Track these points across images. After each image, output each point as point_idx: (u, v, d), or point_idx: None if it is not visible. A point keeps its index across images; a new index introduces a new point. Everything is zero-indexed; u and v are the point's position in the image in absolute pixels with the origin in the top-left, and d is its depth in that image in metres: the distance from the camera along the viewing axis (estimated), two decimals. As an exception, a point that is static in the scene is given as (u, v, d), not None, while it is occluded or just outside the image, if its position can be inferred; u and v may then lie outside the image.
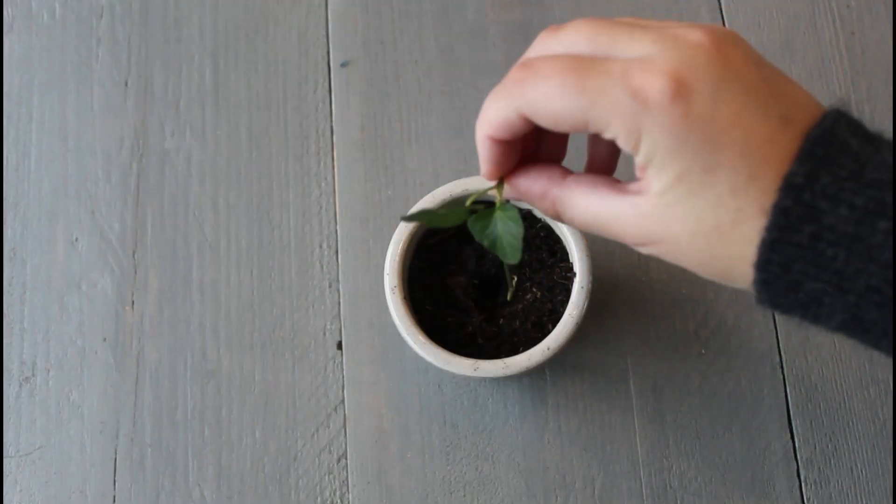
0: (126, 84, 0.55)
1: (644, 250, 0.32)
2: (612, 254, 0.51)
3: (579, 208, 0.33)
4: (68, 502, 0.48)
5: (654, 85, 0.29)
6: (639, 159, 0.30)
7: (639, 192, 0.31)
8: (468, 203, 0.35)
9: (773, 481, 0.48)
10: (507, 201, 0.36)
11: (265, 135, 0.54)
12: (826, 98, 0.53)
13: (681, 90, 0.29)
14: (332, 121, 0.54)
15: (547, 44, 0.34)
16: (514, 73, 0.33)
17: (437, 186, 0.44)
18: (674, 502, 0.47)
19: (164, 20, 0.56)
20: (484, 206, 0.36)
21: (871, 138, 0.29)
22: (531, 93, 0.31)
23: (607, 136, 0.30)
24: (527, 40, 0.55)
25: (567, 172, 0.34)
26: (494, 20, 0.55)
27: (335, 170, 0.53)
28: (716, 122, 0.29)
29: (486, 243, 0.35)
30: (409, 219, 0.35)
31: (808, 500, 0.47)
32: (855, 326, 0.28)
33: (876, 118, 0.53)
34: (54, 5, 0.57)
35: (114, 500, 0.48)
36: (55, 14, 0.57)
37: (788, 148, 0.29)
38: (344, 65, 0.55)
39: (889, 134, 0.29)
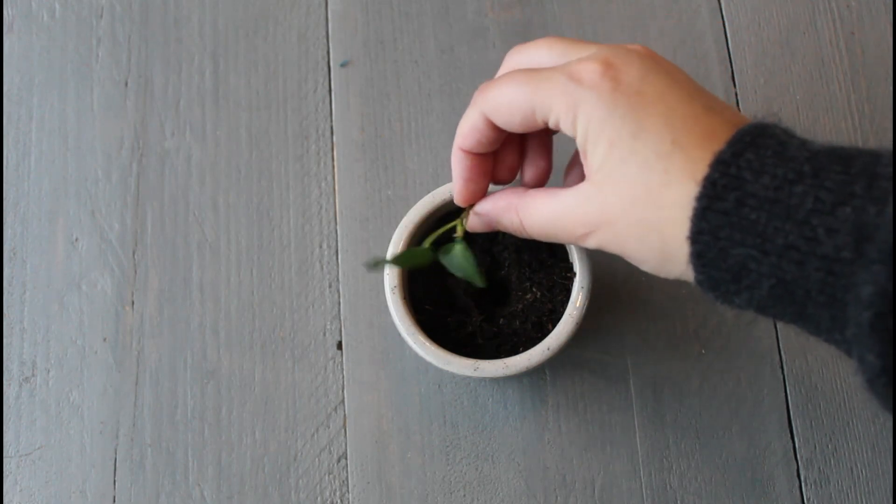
0: (126, 84, 0.55)
1: (590, 243, 0.35)
2: (612, 254, 0.51)
3: (537, 212, 0.37)
4: (68, 502, 0.48)
5: (588, 67, 0.33)
6: (578, 139, 0.34)
7: (583, 179, 0.35)
8: (426, 244, 0.40)
9: (773, 481, 0.48)
10: (464, 236, 0.41)
11: (265, 135, 0.54)
12: (826, 98, 0.53)
13: (610, 70, 0.33)
14: (332, 121, 0.54)
15: (512, 59, 0.38)
16: (480, 87, 0.37)
17: (437, 186, 0.44)
18: (674, 502, 0.47)
19: (164, 20, 0.56)
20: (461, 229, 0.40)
21: (797, 136, 0.32)
22: (490, 94, 0.36)
23: (551, 121, 0.34)
24: (526, 40, 0.55)
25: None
26: (494, 20, 0.55)
27: (335, 170, 0.53)
28: (641, 96, 0.33)
29: (456, 273, 0.40)
30: (371, 268, 0.39)
31: (808, 500, 0.47)
32: (783, 294, 0.30)
33: (876, 118, 0.53)
34: (54, 5, 0.57)
35: (114, 500, 0.48)
36: (55, 14, 0.57)
37: (713, 128, 0.32)
38: (344, 65, 0.55)
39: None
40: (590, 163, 0.34)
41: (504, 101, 0.35)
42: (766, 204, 0.29)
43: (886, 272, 0.27)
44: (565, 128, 0.34)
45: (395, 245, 0.44)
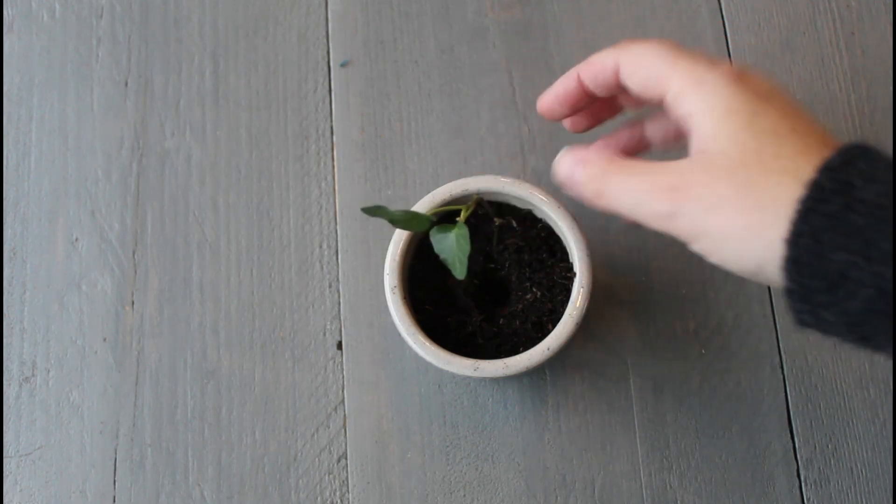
0: (126, 84, 0.55)
1: (667, 205, 0.33)
2: (612, 254, 0.51)
3: (632, 166, 0.36)
4: (68, 502, 0.48)
5: (724, 65, 0.34)
6: (694, 114, 0.34)
7: (688, 157, 0.34)
8: (429, 213, 0.40)
9: (773, 481, 0.48)
10: (466, 222, 0.40)
11: (265, 135, 0.54)
12: (826, 98, 0.53)
13: (742, 73, 0.34)
14: (332, 121, 0.54)
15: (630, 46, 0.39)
16: (627, 40, 0.38)
17: (437, 186, 0.44)
18: (674, 502, 0.47)
19: (164, 20, 0.56)
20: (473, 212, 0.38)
21: None
22: (634, 46, 0.36)
23: (671, 91, 0.35)
24: (527, 40, 0.55)
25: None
26: (494, 20, 0.55)
27: (335, 170, 0.53)
28: (765, 94, 0.34)
29: (441, 255, 0.40)
30: (368, 211, 0.38)
31: (808, 500, 0.47)
32: (880, 308, 0.28)
33: (876, 118, 0.53)
34: (54, 5, 0.57)
35: (114, 500, 0.48)
36: (55, 14, 0.57)
37: (826, 139, 0.32)
38: (344, 65, 0.55)
39: None
40: (703, 141, 0.33)
41: (644, 54, 0.36)
42: (875, 210, 0.28)
43: None
44: (685, 104, 0.34)
45: (395, 245, 0.44)
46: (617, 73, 0.37)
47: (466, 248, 0.39)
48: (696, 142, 0.34)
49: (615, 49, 0.37)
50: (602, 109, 0.42)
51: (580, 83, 0.39)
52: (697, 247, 0.34)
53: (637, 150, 0.42)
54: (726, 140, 0.33)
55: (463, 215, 0.41)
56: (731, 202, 0.32)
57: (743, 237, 0.32)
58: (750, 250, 0.32)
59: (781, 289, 0.31)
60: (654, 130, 0.41)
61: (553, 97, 0.40)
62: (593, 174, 0.36)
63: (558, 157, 0.38)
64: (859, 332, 0.30)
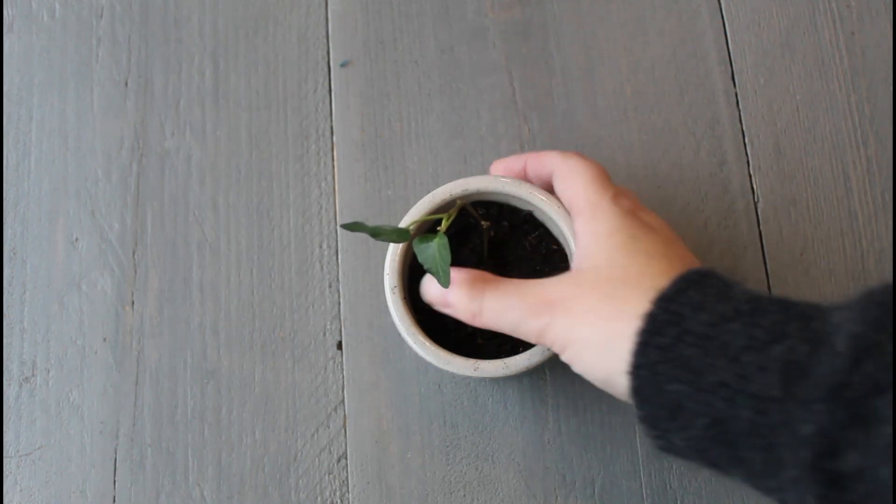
0: (126, 84, 0.55)
1: (539, 320, 0.36)
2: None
3: (504, 285, 0.39)
4: (68, 502, 0.48)
5: (625, 200, 0.40)
6: (581, 227, 0.39)
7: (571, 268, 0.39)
8: (410, 226, 0.41)
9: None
10: (459, 228, 0.42)
11: (265, 135, 0.54)
12: (826, 98, 0.53)
13: (636, 208, 0.40)
14: (332, 121, 0.54)
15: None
16: (571, 154, 0.43)
17: (437, 186, 0.44)
18: (674, 502, 0.47)
19: (164, 20, 0.56)
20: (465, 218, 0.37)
21: (745, 286, 0.33)
22: (572, 162, 0.42)
23: (576, 206, 0.40)
24: (527, 40, 0.55)
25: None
26: (494, 20, 0.55)
27: (335, 170, 0.53)
28: (651, 223, 0.39)
29: (424, 264, 0.40)
30: (347, 227, 0.39)
31: (808, 500, 0.47)
32: (717, 435, 0.29)
33: (876, 118, 0.53)
34: (54, 5, 0.57)
35: (114, 500, 0.48)
36: (55, 14, 0.57)
37: (689, 266, 0.35)
38: (344, 65, 0.55)
39: None
40: (581, 251, 0.38)
41: (574, 172, 0.40)
42: (701, 340, 0.29)
43: (827, 410, 0.26)
44: (577, 222, 0.39)
45: (395, 245, 0.44)
46: (551, 176, 0.42)
47: (447, 257, 0.39)
48: (577, 259, 0.37)
49: (560, 156, 0.42)
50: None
51: (525, 168, 0.44)
52: (565, 356, 0.36)
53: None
54: (601, 258, 0.36)
55: (444, 224, 0.41)
56: (595, 311, 0.34)
57: (599, 345, 0.34)
58: (603, 359, 0.34)
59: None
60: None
61: (503, 169, 0.45)
62: (469, 295, 0.39)
63: (425, 279, 0.42)
64: (707, 458, 0.31)
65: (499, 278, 0.39)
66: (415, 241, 0.41)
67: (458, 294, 0.40)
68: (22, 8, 0.57)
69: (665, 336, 0.30)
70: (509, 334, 0.39)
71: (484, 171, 0.52)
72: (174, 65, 0.55)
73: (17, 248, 0.52)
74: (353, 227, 0.39)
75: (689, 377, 0.30)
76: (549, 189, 0.43)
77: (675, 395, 0.30)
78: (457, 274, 0.40)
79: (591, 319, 0.34)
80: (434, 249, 0.40)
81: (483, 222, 0.44)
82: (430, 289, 0.41)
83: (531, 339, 0.38)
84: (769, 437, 0.28)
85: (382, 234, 0.40)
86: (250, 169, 0.53)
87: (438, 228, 0.41)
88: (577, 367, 0.36)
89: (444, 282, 0.39)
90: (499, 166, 0.45)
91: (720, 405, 0.29)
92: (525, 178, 0.44)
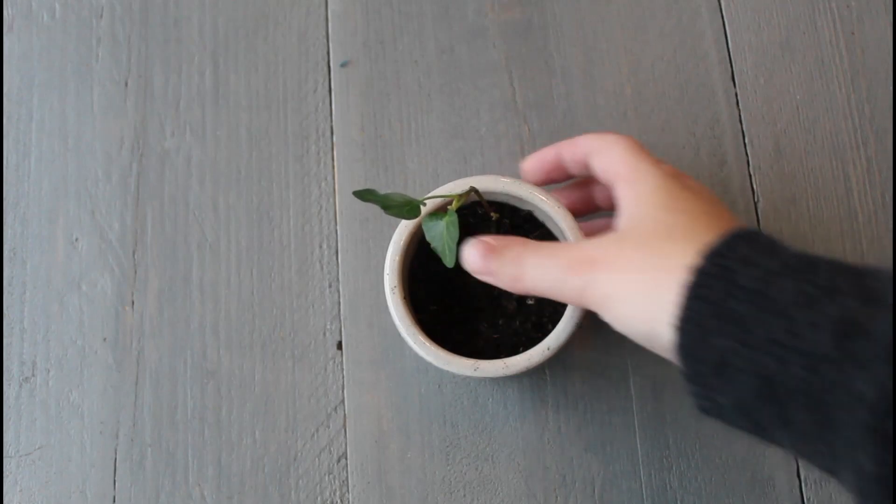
0: (126, 84, 0.55)
1: (578, 279, 0.36)
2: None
3: (545, 247, 0.38)
4: (68, 502, 0.48)
5: (666, 165, 0.40)
6: (623, 191, 0.38)
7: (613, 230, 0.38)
8: (421, 200, 0.41)
9: (773, 481, 0.48)
10: (464, 221, 0.42)
11: (265, 135, 0.54)
12: (826, 98, 0.53)
13: (678, 172, 0.40)
14: (332, 121, 0.54)
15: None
16: (600, 132, 0.43)
17: (437, 186, 0.44)
18: (674, 502, 0.47)
19: (164, 20, 0.56)
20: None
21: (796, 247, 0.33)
22: (608, 136, 0.42)
23: (618, 174, 0.39)
24: (527, 40, 0.55)
25: None
26: (494, 20, 0.55)
27: (335, 170, 0.53)
28: (692, 186, 0.39)
29: (431, 242, 0.40)
30: (359, 195, 0.38)
31: (808, 500, 0.47)
32: (765, 394, 0.29)
33: (876, 118, 0.53)
34: (54, 5, 0.57)
35: (114, 500, 0.48)
36: (55, 14, 0.57)
37: (732, 224, 0.35)
38: (344, 65, 0.55)
39: None
40: (625, 213, 0.37)
41: (611, 146, 0.40)
42: (751, 296, 0.29)
43: (887, 372, 0.25)
44: (619, 187, 0.38)
45: (396, 245, 0.44)
46: (587, 156, 0.41)
47: (455, 234, 0.39)
48: (620, 220, 0.37)
49: (595, 134, 0.41)
50: (582, 201, 0.46)
51: (557, 157, 0.43)
52: (607, 315, 0.35)
53: (586, 210, 0.46)
54: (644, 217, 0.36)
55: (455, 203, 0.41)
56: (636, 265, 0.33)
57: (643, 296, 0.33)
58: (647, 311, 0.33)
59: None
60: (601, 192, 0.45)
61: (536, 161, 0.44)
62: (509, 259, 0.38)
63: (465, 246, 0.40)
64: (753, 419, 0.30)
65: (538, 242, 0.39)
66: (424, 219, 0.41)
67: (498, 260, 0.38)
68: (22, 8, 0.57)
69: (713, 290, 0.30)
70: (550, 297, 0.37)
71: (484, 171, 0.52)
72: (174, 65, 0.55)
73: (17, 248, 0.52)
74: (363, 194, 0.38)
75: (737, 333, 0.29)
76: (586, 172, 0.43)
77: (722, 351, 0.29)
78: (495, 241, 0.39)
79: (635, 274, 0.33)
80: (442, 227, 0.40)
81: (492, 213, 0.44)
82: (470, 257, 0.40)
83: (572, 300, 0.37)
84: (822, 397, 0.27)
85: (393, 208, 0.39)
86: (250, 169, 0.53)
87: (448, 207, 0.41)
88: (619, 325, 0.34)
89: (450, 260, 0.39)
90: (531, 161, 0.44)
91: (770, 362, 0.28)
92: (559, 166, 0.43)
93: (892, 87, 0.53)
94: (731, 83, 0.54)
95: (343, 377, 0.50)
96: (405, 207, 0.40)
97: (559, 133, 0.53)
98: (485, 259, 0.39)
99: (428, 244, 0.42)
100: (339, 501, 0.48)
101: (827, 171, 0.52)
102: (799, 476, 0.48)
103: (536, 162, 0.44)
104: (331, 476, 0.48)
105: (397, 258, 0.43)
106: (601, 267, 0.34)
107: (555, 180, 0.45)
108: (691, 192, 0.36)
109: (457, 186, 0.44)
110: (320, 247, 0.52)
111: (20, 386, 0.50)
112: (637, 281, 0.33)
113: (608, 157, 0.40)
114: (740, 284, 0.29)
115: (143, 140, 0.54)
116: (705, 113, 0.53)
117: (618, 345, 0.50)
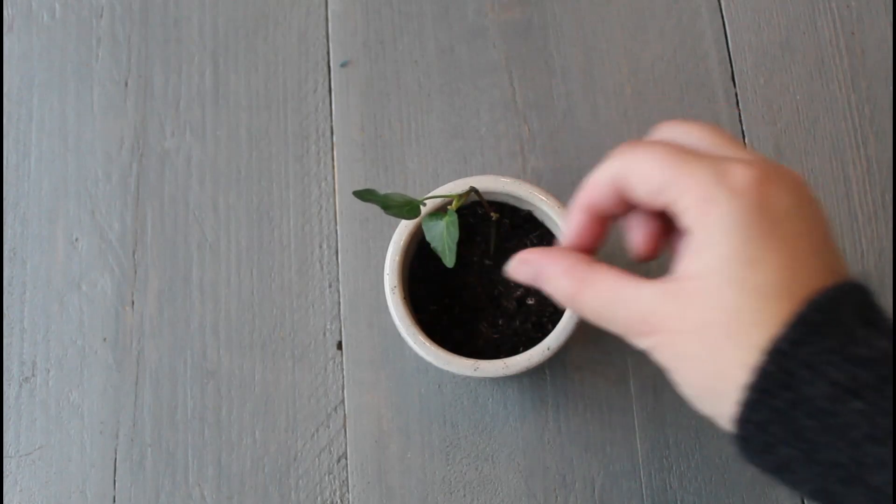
0: (126, 84, 0.55)
1: (644, 342, 0.32)
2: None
3: (603, 287, 0.33)
4: (68, 502, 0.48)
5: (743, 171, 0.30)
6: (694, 237, 0.31)
7: (669, 278, 0.32)
8: (421, 199, 0.40)
9: (773, 481, 0.48)
10: (465, 222, 0.41)
11: (265, 135, 0.54)
12: (826, 98, 0.53)
13: (765, 186, 0.30)
14: (332, 121, 0.54)
15: (662, 131, 0.35)
16: (623, 146, 0.33)
17: (437, 186, 0.44)
18: (674, 502, 0.47)
19: (164, 20, 0.56)
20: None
21: (873, 321, 0.29)
22: (629, 156, 0.32)
23: (677, 207, 0.31)
24: (527, 40, 0.55)
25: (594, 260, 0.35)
26: (494, 20, 0.55)
27: (335, 170, 0.53)
28: (779, 226, 0.30)
29: (431, 242, 0.40)
30: (359, 195, 0.38)
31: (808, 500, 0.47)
32: (825, 498, 0.28)
33: (876, 118, 0.53)
34: (54, 5, 0.57)
35: (114, 500, 0.48)
36: (55, 14, 0.57)
37: (810, 287, 0.29)
38: (344, 65, 0.55)
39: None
40: (690, 265, 0.31)
41: (639, 167, 0.32)
42: (819, 414, 0.27)
43: None
44: (687, 221, 0.31)
45: (396, 245, 0.44)
46: (618, 191, 0.33)
47: (455, 234, 0.39)
48: (682, 268, 0.31)
49: (609, 162, 0.33)
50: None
51: (588, 215, 0.36)
52: (673, 380, 0.33)
53: (604, 241, 0.38)
54: (711, 288, 0.30)
55: (455, 203, 0.41)
56: (695, 358, 0.31)
57: (704, 386, 0.31)
58: (708, 402, 0.31)
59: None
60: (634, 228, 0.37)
61: (576, 230, 0.36)
62: (566, 294, 0.34)
63: (522, 253, 0.35)
64: (797, 492, 0.30)
65: (594, 269, 0.34)
66: (424, 219, 0.41)
67: (553, 286, 0.35)
68: (22, 8, 0.57)
69: (778, 398, 0.28)
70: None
71: (484, 171, 0.52)
72: (174, 65, 0.55)
73: (17, 248, 0.52)
74: (363, 194, 0.38)
75: (803, 446, 0.28)
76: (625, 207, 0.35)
77: (785, 457, 0.29)
78: (550, 264, 0.35)
79: (692, 363, 0.31)
80: (442, 227, 0.40)
81: (493, 213, 0.44)
82: (521, 275, 0.36)
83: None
84: None
85: (393, 208, 0.39)
86: (250, 169, 0.53)
87: (448, 207, 0.41)
88: (683, 395, 0.33)
89: (449, 261, 0.39)
90: (581, 198, 0.36)
91: (834, 484, 0.28)
92: (617, 201, 0.35)
93: (892, 87, 0.53)
94: (731, 83, 0.54)
95: (343, 377, 0.50)
96: (405, 207, 0.40)
97: (559, 133, 0.53)
98: (545, 262, 0.35)
99: (428, 244, 0.42)
100: (339, 501, 0.48)
101: (827, 171, 0.52)
102: (799, 476, 0.48)
103: (586, 199, 0.35)
104: (331, 476, 0.48)
105: (397, 258, 0.43)
106: (662, 335, 0.32)
107: (616, 216, 0.37)
108: (776, 245, 0.30)
109: (457, 186, 0.44)
110: (320, 247, 0.52)
111: (20, 386, 0.50)
112: (699, 369, 0.31)
113: (656, 174, 0.32)
114: (806, 397, 0.28)
115: (143, 140, 0.54)
116: (705, 113, 0.53)
117: (618, 345, 0.50)
